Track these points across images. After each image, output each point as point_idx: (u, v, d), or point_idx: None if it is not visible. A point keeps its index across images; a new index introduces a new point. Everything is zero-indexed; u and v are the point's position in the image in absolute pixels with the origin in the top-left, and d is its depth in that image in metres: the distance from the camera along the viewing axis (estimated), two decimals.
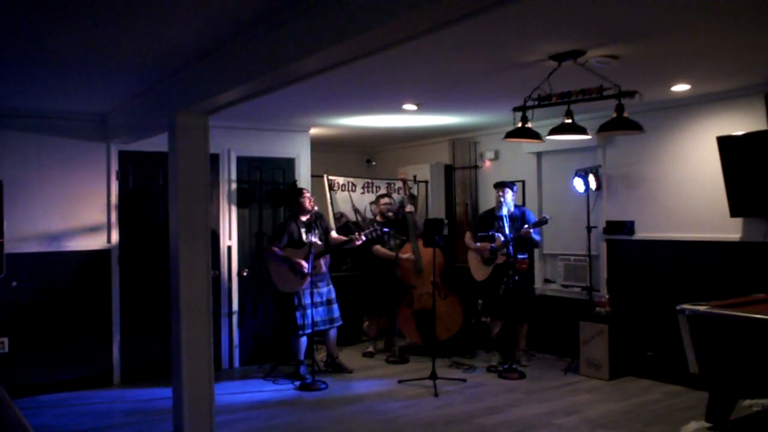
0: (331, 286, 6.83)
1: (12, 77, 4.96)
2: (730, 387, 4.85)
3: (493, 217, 6.93)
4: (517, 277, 6.62)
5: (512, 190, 6.94)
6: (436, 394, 6.02)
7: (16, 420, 2.79)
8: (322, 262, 6.59)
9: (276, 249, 6.53)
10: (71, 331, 6.50)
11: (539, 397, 5.96)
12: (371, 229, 6.75)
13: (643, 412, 5.43)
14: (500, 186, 6.92)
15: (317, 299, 6.62)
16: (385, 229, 7.13)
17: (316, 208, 6.81)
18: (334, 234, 6.89)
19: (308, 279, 6.43)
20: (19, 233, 6.21)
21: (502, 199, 6.81)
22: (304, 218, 6.67)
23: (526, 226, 6.69)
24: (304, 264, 6.41)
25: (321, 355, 7.27)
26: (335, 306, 6.79)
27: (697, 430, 4.90)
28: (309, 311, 6.51)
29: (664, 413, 5.39)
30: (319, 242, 6.61)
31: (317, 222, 6.72)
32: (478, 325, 7.54)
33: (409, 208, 7.75)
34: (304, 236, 6.59)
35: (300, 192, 6.76)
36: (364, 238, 6.63)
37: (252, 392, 6.31)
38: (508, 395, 6.02)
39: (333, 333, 6.88)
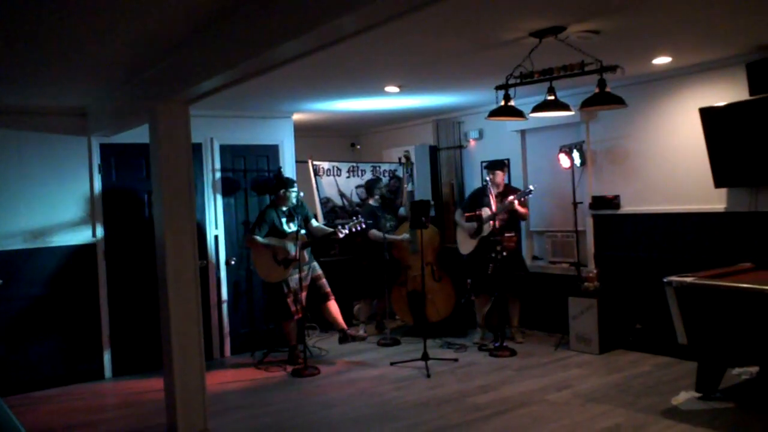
0: (315, 263, 6.80)
1: None
2: (719, 356, 4.91)
3: (481, 194, 6.97)
4: (505, 253, 6.64)
5: (502, 171, 7.01)
6: (429, 375, 6.05)
7: (5, 419, 2.77)
8: (304, 252, 6.57)
9: (258, 238, 6.49)
10: (60, 326, 6.47)
11: (531, 373, 6.00)
12: (354, 221, 6.73)
13: (634, 385, 5.48)
14: (491, 168, 7.01)
15: (307, 281, 6.62)
16: (369, 221, 7.16)
17: (301, 194, 6.79)
18: (314, 222, 6.88)
19: (291, 268, 6.42)
20: (3, 230, 6.16)
21: (488, 180, 6.86)
22: (284, 207, 6.65)
23: (511, 197, 6.71)
24: (291, 251, 6.38)
25: (313, 341, 7.27)
26: (323, 281, 6.77)
27: (687, 401, 4.96)
28: (301, 295, 6.50)
29: (654, 385, 5.44)
30: (302, 231, 6.58)
31: (298, 210, 6.70)
32: (468, 305, 7.57)
33: (409, 188, 7.80)
34: (284, 226, 6.57)
35: (289, 184, 6.70)
36: (346, 231, 6.62)
37: (244, 381, 6.31)
38: (499, 373, 6.06)
39: (333, 307, 6.80)
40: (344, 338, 6.82)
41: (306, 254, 6.61)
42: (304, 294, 6.56)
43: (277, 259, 6.50)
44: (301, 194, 6.81)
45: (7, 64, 4.63)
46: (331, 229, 6.71)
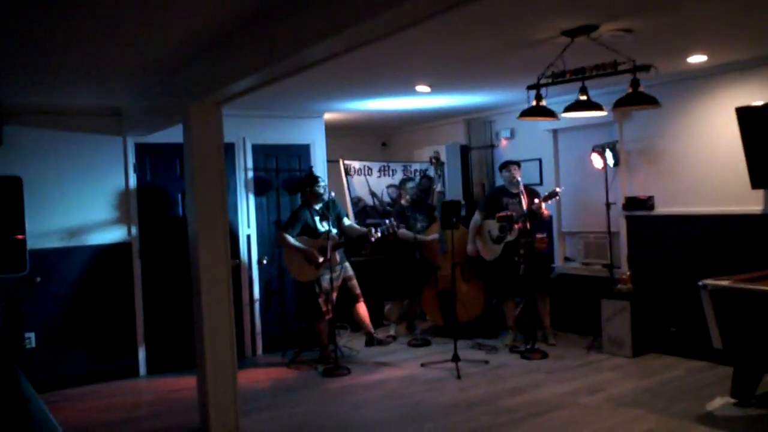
0: (347, 263, 6.82)
1: (26, 74, 4.99)
2: (755, 361, 4.81)
3: (503, 194, 6.93)
4: (531, 255, 6.60)
5: (519, 167, 7.03)
6: (459, 377, 6.03)
7: (42, 416, 2.83)
8: (336, 253, 6.59)
9: (288, 237, 6.53)
10: (96, 324, 6.58)
11: (562, 376, 5.94)
12: (387, 225, 6.74)
13: (668, 389, 5.40)
14: (507, 165, 7.02)
15: (338, 282, 6.65)
16: (401, 224, 7.23)
17: (332, 194, 6.81)
18: (347, 221, 6.89)
19: (322, 269, 6.46)
20: (40, 229, 6.27)
21: (519, 177, 6.83)
22: (317, 206, 6.68)
23: (537, 200, 6.66)
24: (319, 256, 6.41)
25: (344, 341, 7.30)
26: (354, 282, 6.80)
27: (722, 406, 4.88)
28: (333, 295, 6.53)
29: (688, 390, 5.35)
30: (334, 230, 6.61)
31: (330, 208, 6.71)
32: (499, 306, 7.53)
33: (439, 188, 7.80)
34: (318, 224, 6.60)
35: (314, 180, 6.74)
36: (378, 234, 6.63)
37: (276, 380, 6.36)
38: (531, 375, 6.02)
39: (362, 309, 6.84)
40: (370, 341, 6.87)
41: (338, 254, 6.63)
42: (335, 294, 6.58)
43: (308, 260, 6.53)
44: (333, 194, 6.83)
45: (44, 66, 4.73)
46: (365, 230, 6.73)
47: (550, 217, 7.09)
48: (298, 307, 7.26)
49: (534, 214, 6.65)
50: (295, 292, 7.41)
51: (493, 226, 6.97)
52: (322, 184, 6.74)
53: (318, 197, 6.67)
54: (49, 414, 2.92)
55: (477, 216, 7.26)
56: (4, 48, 4.16)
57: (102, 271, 6.61)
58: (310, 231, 6.58)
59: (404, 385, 5.95)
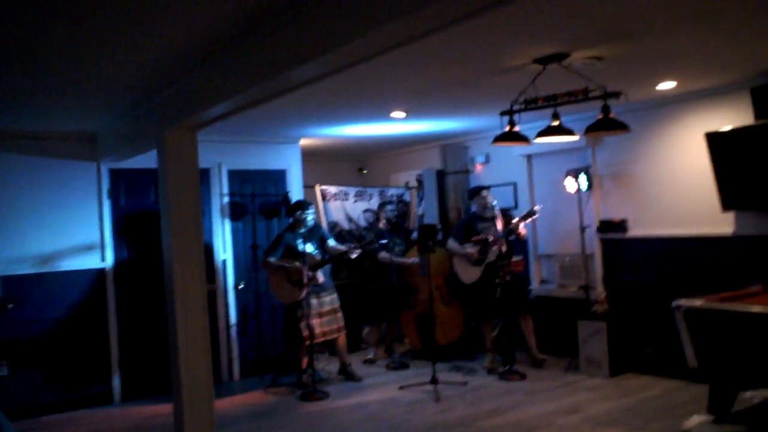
0: (335, 295, 6.86)
1: (1, 99, 4.96)
2: (730, 379, 4.86)
3: (477, 220, 6.98)
4: (509, 277, 6.65)
5: (489, 191, 7.07)
6: (438, 399, 6.03)
7: None
8: (319, 273, 6.59)
9: (272, 260, 6.55)
10: (69, 351, 6.49)
11: (540, 397, 5.97)
12: (366, 242, 6.78)
13: (645, 408, 5.44)
14: (477, 191, 7.05)
15: (325, 308, 6.67)
16: (382, 241, 7.24)
17: (314, 217, 6.87)
18: (331, 242, 6.90)
19: (306, 290, 6.44)
20: (13, 255, 6.21)
21: (492, 201, 6.89)
22: (301, 230, 6.70)
23: (516, 219, 6.72)
24: (304, 271, 6.40)
25: (322, 365, 7.27)
26: (340, 314, 6.83)
27: (699, 424, 4.92)
28: (314, 321, 6.53)
29: (665, 408, 5.41)
30: (316, 251, 6.63)
31: (314, 231, 6.76)
32: (477, 328, 7.56)
33: (420, 211, 7.85)
34: (301, 246, 6.61)
35: (305, 207, 6.77)
36: (358, 252, 6.66)
37: (253, 404, 6.30)
38: (509, 397, 6.03)
39: (343, 341, 6.91)
40: (343, 372, 6.95)
41: (321, 275, 6.62)
42: (317, 320, 6.58)
43: (291, 280, 6.52)
44: (314, 217, 6.87)
45: (17, 90, 4.70)
46: (344, 248, 6.74)
47: (526, 238, 7.15)
48: (283, 331, 7.19)
49: (511, 233, 6.70)
50: (271, 317, 7.38)
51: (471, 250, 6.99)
52: (311, 211, 6.78)
53: (304, 222, 6.70)
54: None
55: (450, 241, 7.27)
56: None
57: (76, 297, 6.54)
58: (293, 253, 6.58)
59: (383, 408, 5.93)
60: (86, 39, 3.63)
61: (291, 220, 6.83)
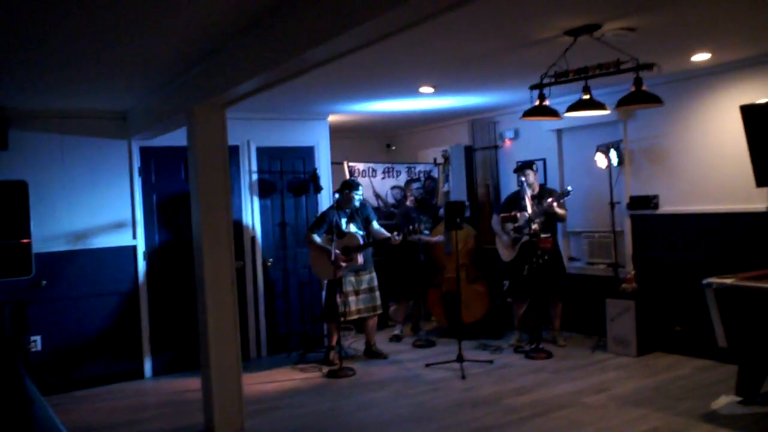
0: (374, 274, 6.89)
1: (32, 78, 5.02)
2: (760, 360, 4.79)
3: (517, 198, 6.92)
4: (546, 257, 6.60)
5: (533, 170, 6.92)
6: (464, 377, 6.03)
7: (46, 417, 2.84)
8: (360, 255, 6.63)
9: (315, 236, 6.60)
10: (101, 327, 6.60)
11: (567, 375, 5.94)
12: (409, 229, 6.86)
13: (673, 388, 5.39)
14: (520, 170, 6.93)
15: (362, 286, 6.73)
16: (426, 233, 7.37)
17: (363, 197, 6.94)
18: (375, 225, 6.92)
19: (341, 270, 6.49)
20: (46, 233, 6.29)
21: (524, 182, 6.80)
22: (347, 209, 6.74)
23: (549, 199, 6.65)
24: (334, 252, 6.42)
25: (349, 342, 7.31)
26: (377, 293, 6.87)
27: (727, 404, 4.86)
28: (351, 299, 6.61)
29: (693, 388, 5.34)
30: (360, 233, 6.68)
31: (360, 211, 6.82)
32: (504, 306, 7.53)
33: (446, 188, 7.82)
34: (344, 226, 6.66)
35: (355, 186, 6.80)
36: (399, 238, 6.68)
37: (281, 381, 6.36)
38: (535, 375, 6.01)
39: (373, 320, 6.95)
40: (369, 353, 6.98)
41: (361, 258, 6.65)
42: (353, 298, 6.65)
43: (331, 259, 6.56)
44: (363, 197, 6.93)
45: (49, 68, 4.75)
46: (388, 235, 6.75)
47: (565, 218, 7.03)
48: (324, 306, 7.21)
49: (546, 213, 6.65)
50: (299, 294, 7.45)
51: (522, 223, 6.92)
52: (359, 192, 6.81)
53: (350, 202, 6.74)
54: (53, 415, 2.93)
55: (494, 218, 7.25)
56: (10, 51, 4.19)
57: (107, 274, 6.63)
58: (338, 232, 6.62)
59: (409, 385, 5.95)
60: (118, 19, 3.65)
61: (338, 196, 6.85)
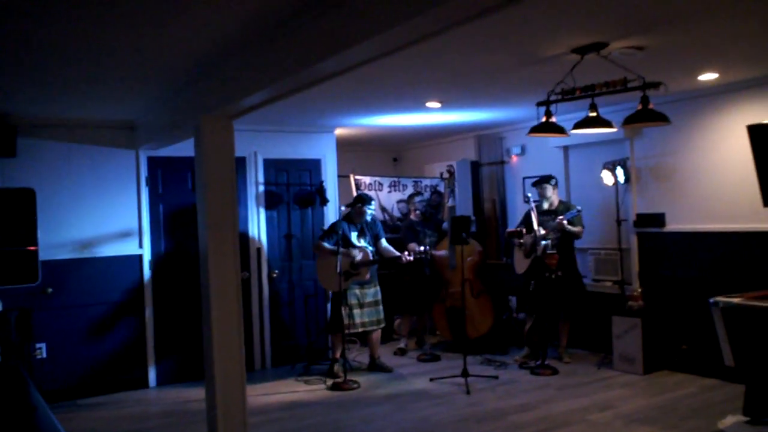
0: (378, 288, 6.91)
1: (40, 86, 5.05)
2: None
3: (529, 215, 6.92)
4: (559, 272, 6.57)
5: (551, 184, 6.93)
6: (468, 392, 6.01)
7: (51, 427, 2.84)
8: (368, 270, 6.66)
9: (325, 244, 6.64)
10: (106, 335, 6.61)
11: (572, 392, 5.91)
12: (419, 251, 6.92)
13: (679, 407, 5.36)
14: (538, 183, 6.97)
15: (367, 299, 6.75)
16: (435, 252, 7.45)
17: (374, 213, 7.00)
18: (384, 242, 6.94)
19: (350, 281, 6.53)
20: (53, 241, 6.31)
21: (547, 194, 6.88)
22: (358, 222, 6.77)
23: (560, 218, 6.63)
24: (356, 257, 6.49)
25: (353, 355, 7.30)
26: (381, 307, 6.88)
27: (734, 424, 4.82)
28: (355, 311, 6.63)
29: (700, 407, 5.32)
30: (370, 248, 6.73)
31: (370, 227, 6.85)
32: (509, 322, 7.51)
33: (450, 203, 7.84)
34: (354, 240, 6.69)
35: (367, 201, 6.84)
36: (410, 258, 6.70)
37: (284, 393, 6.35)
38: (540, 391, 5.99)
39: (377, 334, 6.96)
40: (373, 366, 6.97)
41: (369, 272, 6.67)
42: (358, 311, 6.68)
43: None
44: (374, 212, 6.98)
45: (59, 78, 4.78)
46: (398, 254, 6.76)
47: (580, 233, 7.00)
48: (329, 317, 7.23)
49: (564, 233, 6.66)
50: (305, 306, 7.45)
51: (527, 240, 6.91)
52: (371, 207, 6.85)
53: (362, 216, 6.77)
54: (57, 423, 2.93)
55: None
56: (18, 59, 4.22)
57: (113, 282, 6.65)
58: (346, 244, 6.64)
59: (413, 399, 5.93)
60: (128, 31, 3.68)
61: (348, 209, 6.88)
